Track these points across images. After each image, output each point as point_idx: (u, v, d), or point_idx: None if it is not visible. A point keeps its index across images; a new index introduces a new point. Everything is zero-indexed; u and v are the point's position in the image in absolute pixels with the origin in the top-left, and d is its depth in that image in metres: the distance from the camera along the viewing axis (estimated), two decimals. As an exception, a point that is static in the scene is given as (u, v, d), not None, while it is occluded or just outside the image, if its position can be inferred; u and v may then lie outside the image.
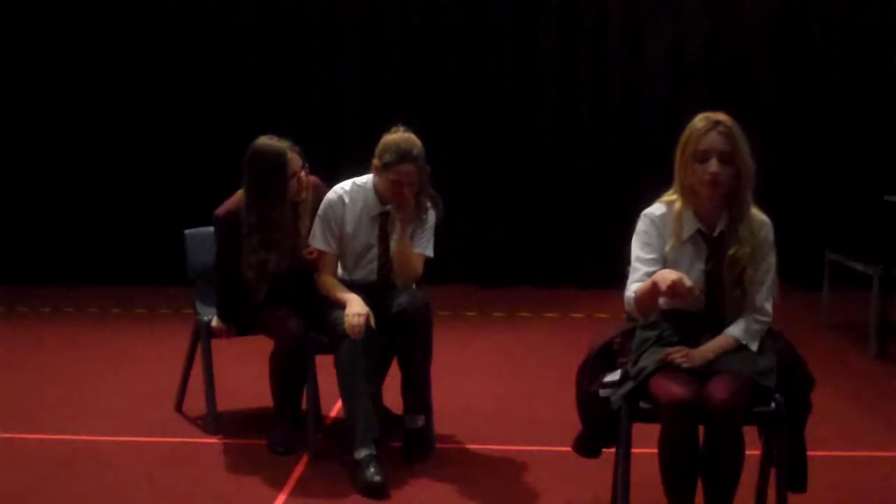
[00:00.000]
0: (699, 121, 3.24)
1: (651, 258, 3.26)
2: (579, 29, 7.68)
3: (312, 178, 4.34)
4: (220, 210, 4.27)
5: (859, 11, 7.55)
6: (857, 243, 6.25)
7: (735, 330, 3.25)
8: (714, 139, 3.19)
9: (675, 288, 3.01)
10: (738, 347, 3.22)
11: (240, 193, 4.25)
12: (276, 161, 4.15)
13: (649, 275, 3.20)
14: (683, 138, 3.25)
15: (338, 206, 4.15)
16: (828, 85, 7.59)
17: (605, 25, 7.65)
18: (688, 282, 3.03)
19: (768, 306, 3.28)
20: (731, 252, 3.22)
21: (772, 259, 3.30)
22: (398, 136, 4.05)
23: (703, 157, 3.19)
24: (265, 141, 4.22)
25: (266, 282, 4.19)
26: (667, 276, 3.06)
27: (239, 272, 4.17)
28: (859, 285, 6.26)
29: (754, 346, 3.23)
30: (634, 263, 3.29)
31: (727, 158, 3.18)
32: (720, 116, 3.24)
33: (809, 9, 7.59)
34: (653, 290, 3.10)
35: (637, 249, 3.30)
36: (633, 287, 3.25)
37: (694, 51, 7.62)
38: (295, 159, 4.22)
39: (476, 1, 7.69)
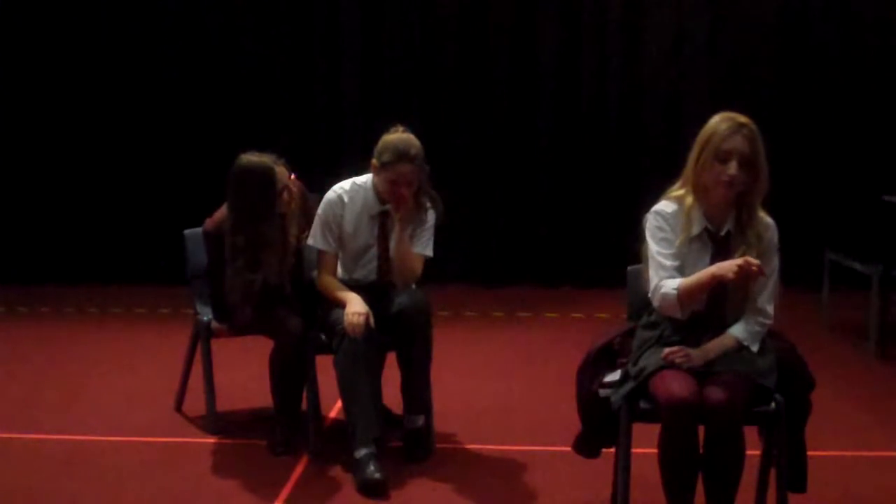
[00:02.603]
0: (723, 121, 3.23)
1: (671, 253, 3.25)
2: (579, 28, 7.67)
3: (297, 184, 4.31)
4: (210, 224, 4.22)
5: (860, 10, 7.54)
6: (856, 243, 6.24)
7: (736, 330, 3.25)
8: (738, 142, 3.19)
9: (743, 269, 3.03)
10: (739, 348, 3.22)
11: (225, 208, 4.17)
12: (265, 180, 4.07)
13: (677, 269, 3.21)
14: (705, 136, 3.24)
15: (337, 206, 4.15)
16: (828, 84, 7.58)
17: (605, 25, 7.65)
18: (753, 260, 3.06)
19: (770, 308, 3.29)
20: (738, 254, 3.20)
21: (775, 262, 3.31)
22: (396, 136, 4.05)
23: (724, 158, 3.19)
24: (250, 159, 4.11)
25: (253, 302, 4.12)
26: (726, 266, 3.08)
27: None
28: (859, 285, 6.25)
29: (755, 347, 3.24)
30: (658, 259, 3.25)
31: (747, 162, 3.19)
32: (743, 119, 3.24)
33: (810, 8, 7.58)
34: (706, 283, 3.12)
35: (656, 245, 3.27)
36: (669, 283, 3.19)
37: (694, 49, 7.62)
38: (282, 172, 4.16)
39: (476, 0, 7.69)
